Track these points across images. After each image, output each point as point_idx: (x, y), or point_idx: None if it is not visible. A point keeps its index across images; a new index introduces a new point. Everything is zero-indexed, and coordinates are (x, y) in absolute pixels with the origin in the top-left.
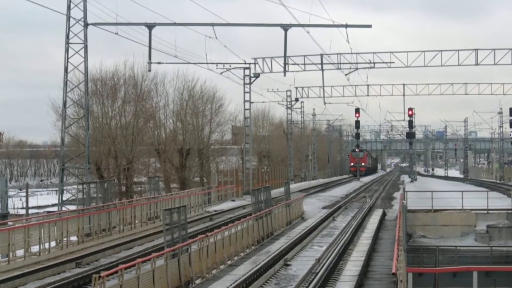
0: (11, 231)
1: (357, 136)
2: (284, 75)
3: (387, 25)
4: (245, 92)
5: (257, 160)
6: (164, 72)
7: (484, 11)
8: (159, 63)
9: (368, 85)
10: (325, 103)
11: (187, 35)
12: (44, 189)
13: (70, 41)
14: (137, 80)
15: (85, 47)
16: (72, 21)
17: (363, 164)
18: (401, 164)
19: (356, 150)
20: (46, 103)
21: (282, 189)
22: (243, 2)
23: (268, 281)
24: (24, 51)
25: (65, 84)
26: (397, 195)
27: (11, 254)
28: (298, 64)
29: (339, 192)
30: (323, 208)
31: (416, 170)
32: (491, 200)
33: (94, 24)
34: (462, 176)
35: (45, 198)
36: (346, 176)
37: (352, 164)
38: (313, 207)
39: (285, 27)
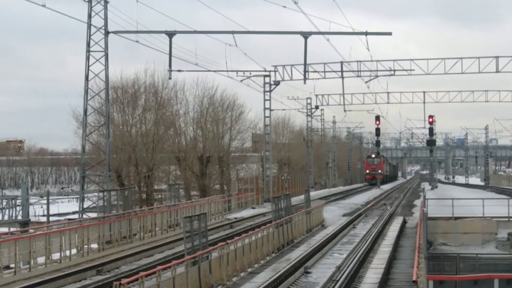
0: (32, 239)
1: (377, 143)
2: (304, 83)
3: (402, 32)
4: (265, 100)
5: (277, 167)
6: (184, 79)
7: (501, 18)
8: (179, 70)
9: (388, 93)
10: (345, 111)
11: (207, 43)
12: (65, 197)
13: (90, 49)
14: (157, 87)
15: (106, 55)
16: (92, 29)
17: (379, 171)
18: (422, 172)
19: (372, 156)
20: (65, 111)
21: (302, 197)
22: (262, 10)
23: None
24: (40, 59)
25: (86, 92)
26: (417, 202)
27: (32, 261)
28: (318, 72)
29: (359, 199)
30: (343, 215)
31: (437, 177)
32: None
33: (115, 32)
34: (483, 183)
35: (66, 206)
36: (367, 183)
37: (367, 171)
38: (333, 215)
39: (305, 35)
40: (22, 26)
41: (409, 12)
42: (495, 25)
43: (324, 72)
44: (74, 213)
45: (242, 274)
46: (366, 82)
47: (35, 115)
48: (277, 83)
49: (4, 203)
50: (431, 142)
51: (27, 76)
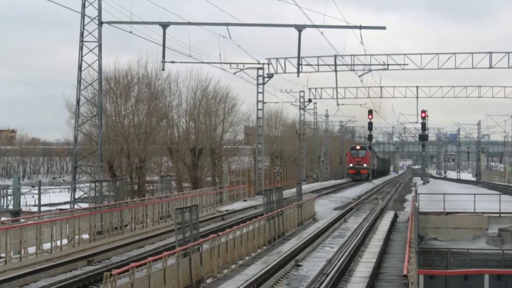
0: (23, 228)
1: (370, 137)
2: (298, 76)
3: (392, 25)
4: (258, 93)
5: (269, 160)
6: (178, 71)
7: (491, 13)
8: (172, 62)
9: (381, 87)
10: (338, 104)
11: (201, 35)
12: (57, 187)
13: (84, 39)
14: (150, 79)
15: (99, 46)
16: (86, 19)
17: (364, 165)
18: (414, 166)
19: (357, 147)
20: (58, 101)
21: (294, 190)
22: (257, 3)
23: (279, 281)
24: (33, 48)
25: (79, 82)
26: (409, 197)
27: (23, 251)
28: (311, 65)
29: (351, 193)
30: (335, 209)
31: (429, 172)
32: (503, 203)
33: (108, 23)
34: (474, 179)
35: (58, 196)
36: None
37: (350, 165)
38: (325, 208)
39: (299, 28)
40: (14, 15)
41: (398, 5)
42: (486, 21)
43: (318, 65)
44: (65, 203)
45: (233, 267)
46: (360, 76)
47: (27, 104)
48: (270, 76)
49: None
50: (423, 137)
51: (20, 65)
